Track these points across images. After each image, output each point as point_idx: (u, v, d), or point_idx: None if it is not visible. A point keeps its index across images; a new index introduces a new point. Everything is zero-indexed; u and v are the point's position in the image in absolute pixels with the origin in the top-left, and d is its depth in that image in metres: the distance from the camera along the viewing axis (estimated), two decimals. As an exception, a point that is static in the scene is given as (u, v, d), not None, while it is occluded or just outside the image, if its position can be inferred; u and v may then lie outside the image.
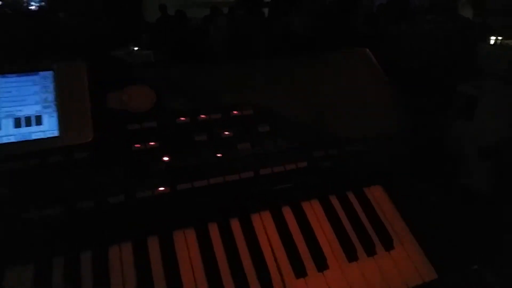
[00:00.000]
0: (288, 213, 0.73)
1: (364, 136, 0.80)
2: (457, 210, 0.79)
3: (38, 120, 0.68)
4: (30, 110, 0.68)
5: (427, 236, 0.74)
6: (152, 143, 0.70)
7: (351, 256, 0.69)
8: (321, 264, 0.66)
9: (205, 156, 0.71)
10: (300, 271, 0.65)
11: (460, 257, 0.71)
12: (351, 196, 0.79)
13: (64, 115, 0.69)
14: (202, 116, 0.76)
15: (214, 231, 0.68)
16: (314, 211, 0.75)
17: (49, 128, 0.68)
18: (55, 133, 0.68)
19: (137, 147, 0.69)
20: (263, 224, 0.71)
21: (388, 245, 0.71)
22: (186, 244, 0.66)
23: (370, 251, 0.70)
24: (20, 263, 0.60)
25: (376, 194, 0.80)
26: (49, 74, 0.71)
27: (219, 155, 0.72)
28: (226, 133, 0.75)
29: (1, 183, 0.61)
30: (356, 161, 0.79)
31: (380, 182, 0.83)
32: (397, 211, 0.79)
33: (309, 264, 0.66)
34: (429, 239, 0.74)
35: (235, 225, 0.70)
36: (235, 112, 0.78)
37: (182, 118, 0.74)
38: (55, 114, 0.69)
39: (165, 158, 0.69)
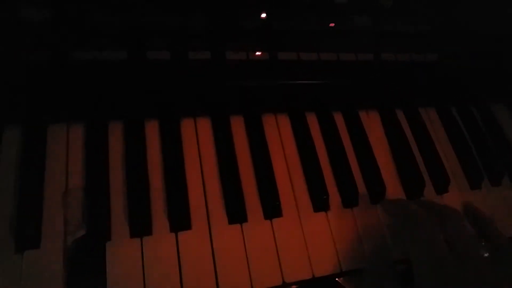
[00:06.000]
0: (402, 118, 0.57)
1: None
2: None
3: None
4: None
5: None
6: (245, -9, 0.50)
7: (475, 182, 0.54)
8: (442, 187, 0.52)
9: (314, 23, 0.52)
10: (416, 190, 0.51)
11: None
12: (474, 111, 0.62)
13: None
14: (310, -31, 0.55)
15: (313, 122, 0.52)
16: (430, 120, 0.59)
17: None
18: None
19: (225, -8, 0.50)
20: (371, 125, 0.55)
21: (516, 176, 0.57)
22: (278, 131, 0.50)
23: (496, 181, 0.56)
24: (65, 121, 0.44)
25: (500, 114, 0.64)
26: None
27: (331, 24, 0.53)
28: (340, -2, 0.55)
29: None
30: (494, 63, 0.60)
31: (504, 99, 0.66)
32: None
33: (427, 183, 0.52)
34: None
35: (339, 119, 0.54)
36: (351, -27, 0.57)
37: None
38: None
39: (263, 15, 0.50)
